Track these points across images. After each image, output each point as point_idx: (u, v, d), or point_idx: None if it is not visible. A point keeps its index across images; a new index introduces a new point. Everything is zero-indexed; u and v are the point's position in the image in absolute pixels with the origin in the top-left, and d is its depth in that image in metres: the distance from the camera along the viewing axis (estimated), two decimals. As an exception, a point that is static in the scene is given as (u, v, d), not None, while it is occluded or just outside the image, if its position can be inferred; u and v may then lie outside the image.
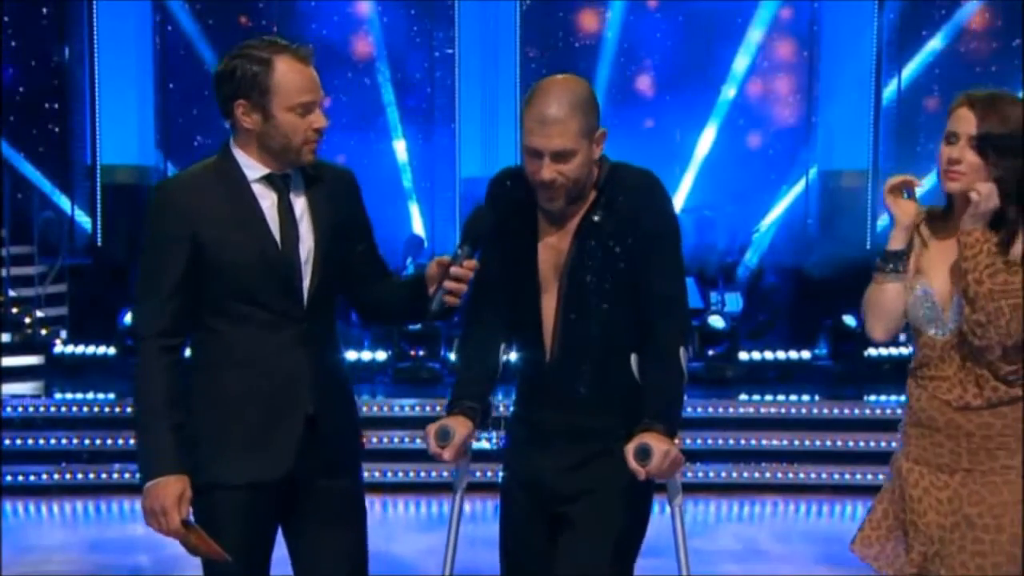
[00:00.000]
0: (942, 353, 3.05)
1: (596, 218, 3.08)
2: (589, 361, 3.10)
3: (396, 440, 7.63)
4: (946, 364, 3.05)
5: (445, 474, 7.43)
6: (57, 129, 11.47)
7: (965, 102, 3.01)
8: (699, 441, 8.04)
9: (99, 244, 11.20)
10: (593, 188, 3.09)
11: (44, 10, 11.47)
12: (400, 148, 11.66)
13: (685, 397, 3.13)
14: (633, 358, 3.10)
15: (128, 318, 9.48)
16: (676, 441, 3.02)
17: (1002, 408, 3.00)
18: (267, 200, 3.08)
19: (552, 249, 3.12)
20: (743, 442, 8.11)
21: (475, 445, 3.21)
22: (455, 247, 3.06)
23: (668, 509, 3.14)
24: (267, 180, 3.09)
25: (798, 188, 11.47)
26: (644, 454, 2.92)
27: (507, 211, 3.14)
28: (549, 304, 3.13)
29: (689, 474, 7.82)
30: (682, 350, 3.06)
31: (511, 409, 3.29)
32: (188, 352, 3.14)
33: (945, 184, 3.03)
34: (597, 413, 3.11)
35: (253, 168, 3.08)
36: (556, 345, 3.12)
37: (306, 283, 3.08)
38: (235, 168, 3.08)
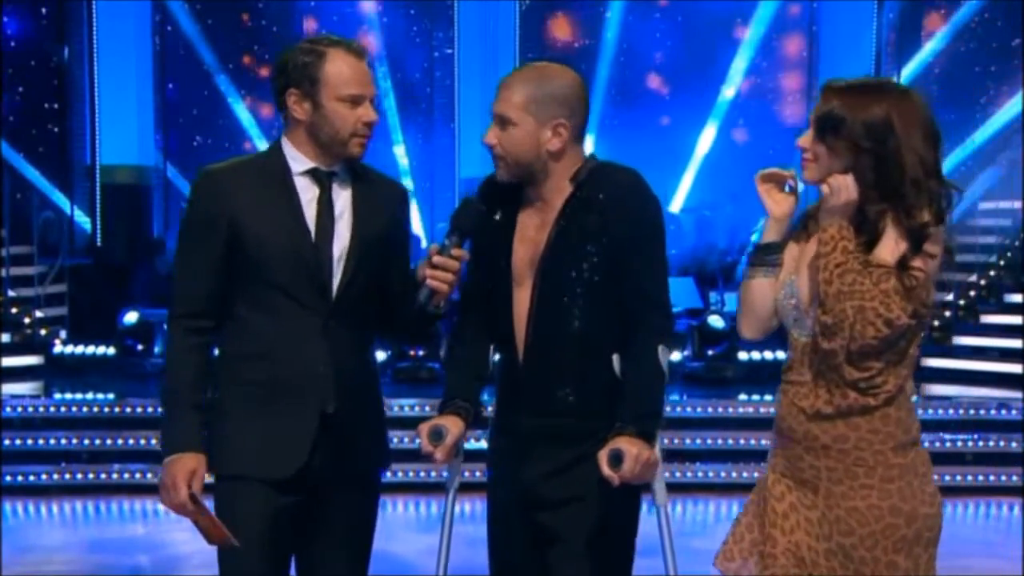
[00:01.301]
0: (802, 356, 2.84)
1: (574, 213, 3.00)
2: (565, 360, 3.02)
3: (395, 440, 7.56)
4: (805, 368, 2.83)
5: (444, 474, 7.40)
6: (57, 129, 11.49)
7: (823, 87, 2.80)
8: (699, 441, 8.04)
9: (99, 244, 11.23)
10: (571, 182, 3.02)
11: (44, 10, 11.48)
12: (399, 148, 11.67)
13: (666, 396, 3.06)
14: (615, 358, 3.02)
15: (127, 318, 9.53)
16: (656, 442, 2.97)
17: (855, 419, 2.78)
18: (308, 194, 3.09)
19: (529, 242, 3.05)
20: (743, 442, 8.10)
21: (472, 445, 3.20)
22: (443, 237, 3.03)
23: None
24: (312, 175, 3.10)
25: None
26: (616, 460, 2.86)
27: (493, 205, 3.09)
28: (522, 300, 3.04)
29: (689, 474, 7.83)
30: (661, 348, 2.98)
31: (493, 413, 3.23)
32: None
33: (801, 175, 2.83)
34: (578, 415, 3.03)
35: (299, 161, 3.10)
36: (529, 343, 3.03)
37: (336, 279, 3.08)
38: (281, 160, 3.10)
